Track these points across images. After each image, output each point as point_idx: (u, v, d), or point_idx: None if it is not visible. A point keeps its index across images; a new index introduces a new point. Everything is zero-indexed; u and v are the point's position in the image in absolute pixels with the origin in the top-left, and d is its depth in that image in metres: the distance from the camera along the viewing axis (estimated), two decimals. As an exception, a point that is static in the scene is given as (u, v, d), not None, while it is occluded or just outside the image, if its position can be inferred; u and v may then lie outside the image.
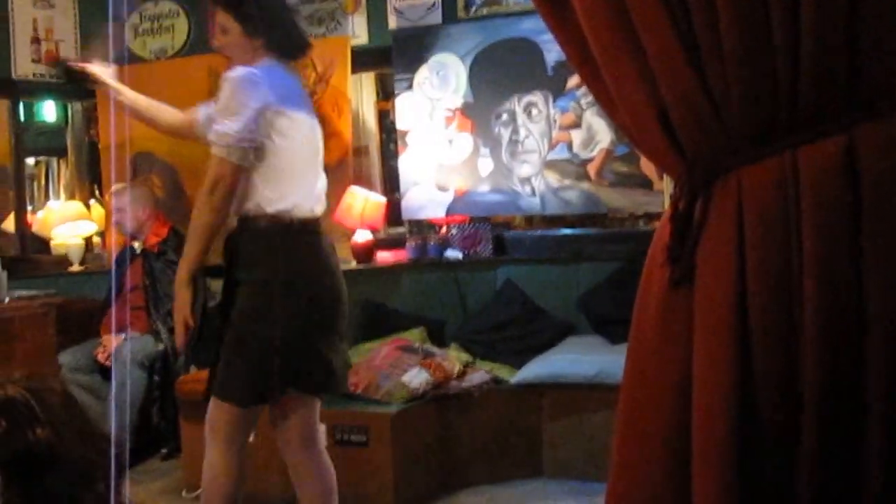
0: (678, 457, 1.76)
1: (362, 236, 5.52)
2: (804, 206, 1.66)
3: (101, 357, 5.50)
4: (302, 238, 3.36)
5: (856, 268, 1.67)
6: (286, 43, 3.40)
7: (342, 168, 5.87)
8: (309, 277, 3.35)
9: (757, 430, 1.70)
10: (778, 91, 1.64)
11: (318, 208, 3.42)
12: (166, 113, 3.80)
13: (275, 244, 3.30)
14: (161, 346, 5.54)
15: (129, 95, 3.68)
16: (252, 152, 3.23)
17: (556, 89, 5.51)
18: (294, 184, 3.32)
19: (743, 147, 1.69)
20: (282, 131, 3.27)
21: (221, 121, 3.20)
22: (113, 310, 5.65)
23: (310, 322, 3.33)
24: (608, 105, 1.86)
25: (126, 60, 5.80)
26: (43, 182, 7.70)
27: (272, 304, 3.28)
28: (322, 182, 3.49)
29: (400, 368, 4.81)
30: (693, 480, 1.74)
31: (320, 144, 3.48)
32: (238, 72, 3.23)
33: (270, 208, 3.28)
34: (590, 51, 1.80)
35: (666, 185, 5.01)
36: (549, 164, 5.56)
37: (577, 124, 5.48)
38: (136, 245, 5.82)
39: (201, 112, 3.68)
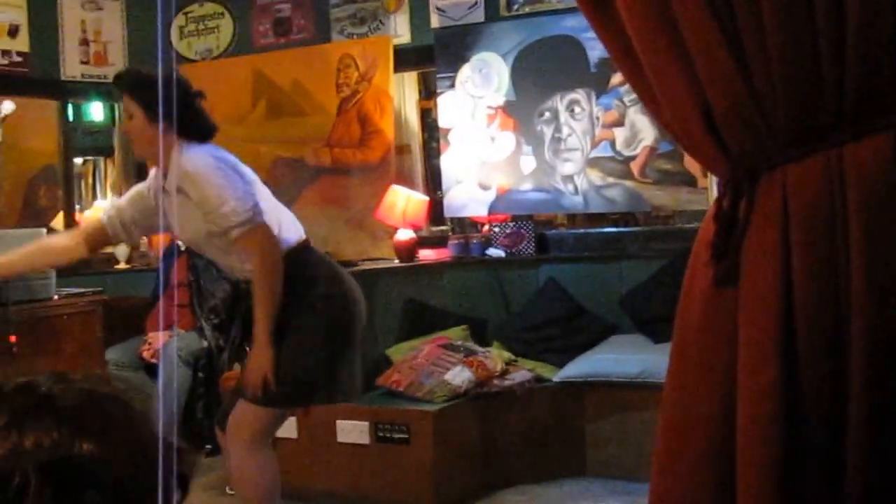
0: (722, 460, 1.75)
1: (405, 235, 5.53)
2: (850, 204, 1.64)
3: (146, 354, 5.56)
4: (317, 255, 3.68)
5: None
6: (194, 129, 3.44)
7: (384, 166, 5.88)
8: (340, 289, 3.59)
9: (803, 432, 1.68)
10: (823, 89, 1.63)
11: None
12: (45, 255, 3.86)
13: (306, 268, 3.54)
14: (205, 343, 5.56)
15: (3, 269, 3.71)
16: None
17: (599, 87, 5.49)
18: (282, 218, 3.56)
19: (788, 145, 1.67)
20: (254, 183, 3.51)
21: (224, 207, 3.33)
22: (161, 306, 5.71)
23: (346, 333, 3.58)
24: (651, 104, 1.85)
25: (173, 62, 5.87)
26: (90, 181, 7.77)
27: (318, 319, 3.51)
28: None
29: (442, 367, 4.82)
30: (738, 485, 1.72)
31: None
32: (201, 162, 3.34)
33: (285, 245, 3.48)
34: (633, 50, 1.79)
35: (710, 183, 4.98)
36: (592, 162, 5.54)
37: (620, 122, 5.46)
38: (181, 242, 5.86)
39: (107, 211, 3.75)
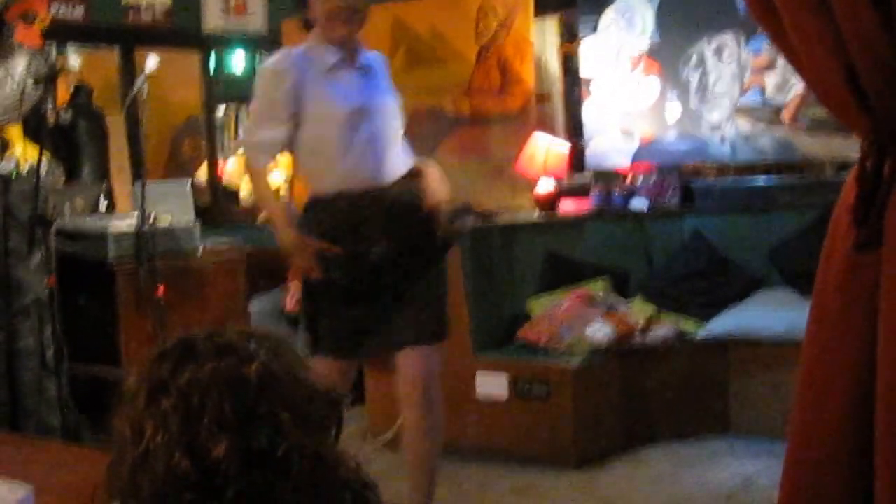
0: (859, 427, 1.73)
1: (545, 185, 5.43)
2: None
3: (288, 304, 5.62)
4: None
5: None
6: None
7: (524, 115, 5.77)
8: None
9: None
10: None
11: None
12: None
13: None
14: None
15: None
16: None
17: (749, 30, 5.25)
18: None
19: None
20: None
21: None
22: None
23: None
24: (794, 61, 1.79)
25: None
26: (233, 129, 7.89)
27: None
28: None
29: (582, 321, 4.75)
30: (875, 452, 1.69)
31: None
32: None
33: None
34: (775, 6, 1.73)
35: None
36: (741, 110, 5.32)
37: (770, 66, 5.22)
38: (322, 194, 5.89)
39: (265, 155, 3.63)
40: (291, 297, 5.61)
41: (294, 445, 1.21)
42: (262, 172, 3.53)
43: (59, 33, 5.66)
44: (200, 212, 5.77)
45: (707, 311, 4.96)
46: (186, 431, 1.18)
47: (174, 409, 1.19)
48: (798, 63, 1.78)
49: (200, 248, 5.17)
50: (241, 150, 3.27)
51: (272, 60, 3.48)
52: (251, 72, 7.24)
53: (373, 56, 3.58)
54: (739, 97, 5.32)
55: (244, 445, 1.18)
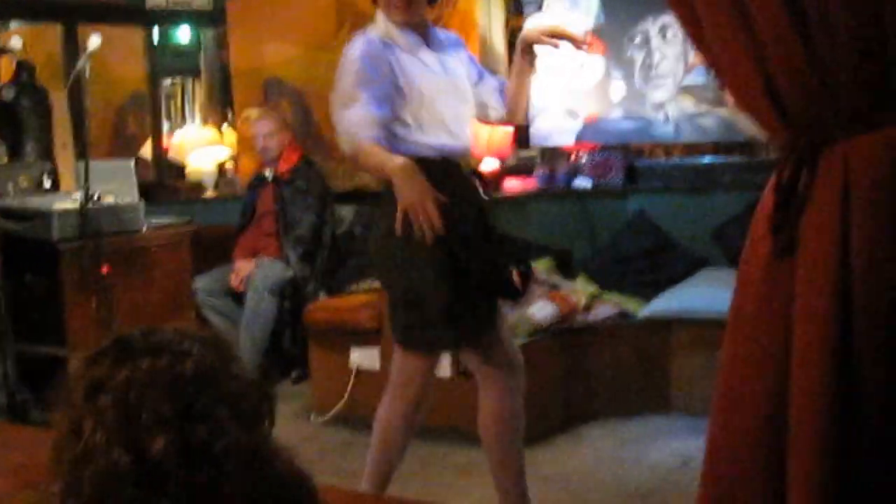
0: (776, 425, 1.75)
1: (489, 165, 5.44)
2: (916, 183, 1.63)
3: (233, 282, 5.64)
4: None
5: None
6: None
7: (470, 93, 5.77)
8: None
9: (857, 405, 1.67)
10: (889, 61, 1.58)
11: None
12: None
13: None
14: (290, 273, 5.62)
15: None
16: None
17: (693, 10, 5.27)
18: None
19: (851, 118, 1.63)
20: None
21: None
22: (247, 235, 5.78)
23: None
24: (716, 67, 1.83)
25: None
26: (179, 102, 7.84)
27: None
28: None
29: (526, 300, 4.76)
30: (789, 456, 1.72)
31: None
32: None
33: None
34: (698, 15, 1.76)
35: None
36: (685, 89, 5.33)
37: (715, 46, 5.24)
38: (267, 172, 5.89)
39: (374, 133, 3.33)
40: (236, 275, 5.62)
41: (231, 440, 1.23)
42: (372, 146, 3.16)
43: (1, 10, 5.60)
44: (145, 188, 5.75)
45: (650, 291, 5.01)
46: (125, 429, 1.20)
47: (112, 406, 1.21)
48: (720, 71, 1.81)
49: (145, 226, 5.16)
50: (342, 136, 3.10)
51: (362, 47, 3.36)
52: (196, 45, 7.20)
53: (446, 36, 3.54)
54: (683, 77, 5.34)
55: (183, 441, 1.20)
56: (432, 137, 3.29)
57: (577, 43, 3.28)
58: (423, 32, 3.37)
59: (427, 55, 3.35)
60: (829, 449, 1.66)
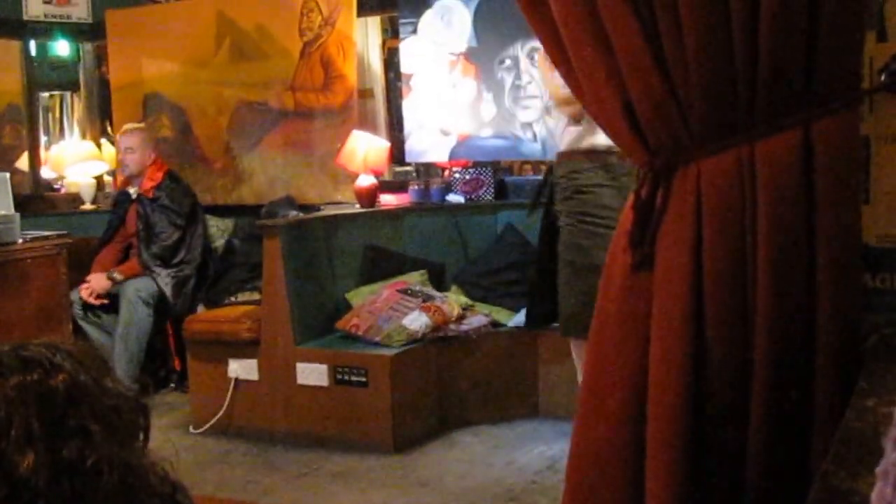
0: (635, 424, 1.86)
1: (366, 180, 5.57)
2: (760, 197, 1.75)
3: (83, 294, 5.57)
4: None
5: (809, 257, 1.75)
6: None
7: (347, 111, 5.92)
8: None
9: (709, 407, 1.79)
10: (737, 88, 1.72)
11: None
12: None
13: None
14: (155, 287, 5.60)
15: None
16: None
17: (559, 35, 5.50)
18: None
19: (703, 140, 1.76)
20: None
21: None
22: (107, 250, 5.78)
23: None
24: (578, 92, 1.94)
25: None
26: (58, 115, 7.76)
27: None
28: None
29: (400, 311, 4.90)
30: (647, 458, 1.83)
31: None
32: None
33: None
34: (561, 37, 1.88)
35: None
36: (551, 110, 5.57)
37: (579, 70, 5.47)
38: (132, 190, 5.86)
39: None
40: (87, 288, 5.59)
41: (103, 455, 1.19)
42: None
43: None
44: (21, 201, 5.71)
45: (519, 302, 5.16)
46: None
47: None
48: (581, 95, 1.93)
49: (20, 238, 5.12)
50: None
51: None
52: (76, 57, 7.14)
53: None
54: (549, 98, 5.57)
55: (53, 458, 1.15)
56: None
57: None
58: None
59: None
60: (684, 445, 1.77)
